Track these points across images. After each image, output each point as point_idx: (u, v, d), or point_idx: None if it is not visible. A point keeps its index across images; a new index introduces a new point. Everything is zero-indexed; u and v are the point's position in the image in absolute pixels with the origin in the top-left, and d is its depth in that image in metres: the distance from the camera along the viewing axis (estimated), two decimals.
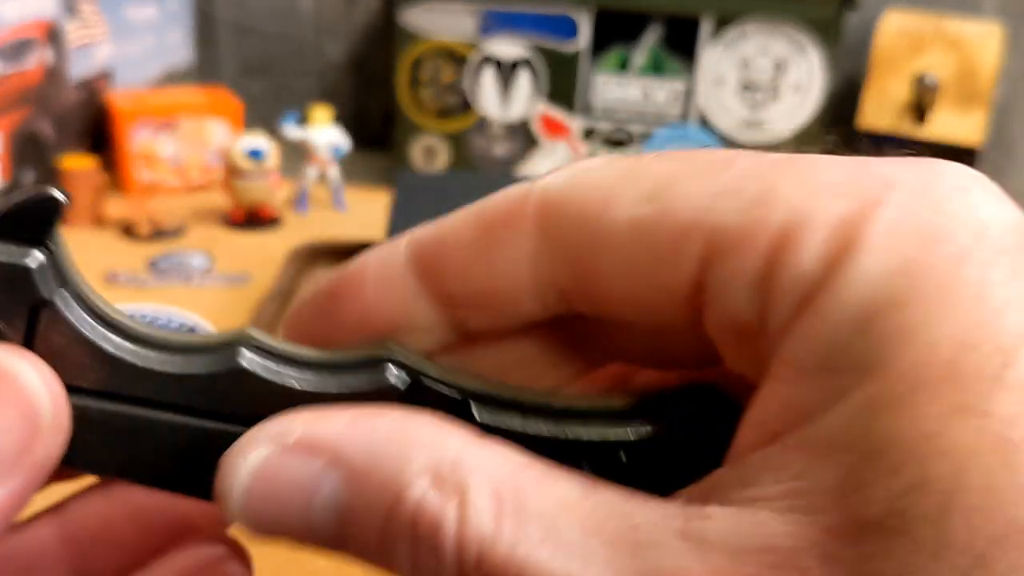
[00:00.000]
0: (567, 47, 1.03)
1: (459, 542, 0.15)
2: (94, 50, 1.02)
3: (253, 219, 0.93)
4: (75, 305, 0.19)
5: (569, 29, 1.02)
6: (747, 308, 0.16)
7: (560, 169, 0.19)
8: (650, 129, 1.05)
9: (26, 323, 0.19)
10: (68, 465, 0.19)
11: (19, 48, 0.89)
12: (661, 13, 1.01)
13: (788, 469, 0.15)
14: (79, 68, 0.99)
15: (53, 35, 0.93)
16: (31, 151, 0.92)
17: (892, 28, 1.05)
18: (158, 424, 0.19)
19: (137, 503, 0.20)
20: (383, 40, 1.20)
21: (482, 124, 1.06)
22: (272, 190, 0.93)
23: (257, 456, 0.17)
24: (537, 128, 1.06)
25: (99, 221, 0.90)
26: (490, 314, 0.20)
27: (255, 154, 0.90)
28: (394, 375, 0.19)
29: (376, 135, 1.22)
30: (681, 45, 1.02)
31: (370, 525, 0.16)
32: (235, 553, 0.21)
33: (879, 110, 1.06)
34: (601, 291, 0.18)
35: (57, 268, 0.19)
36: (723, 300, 0.17)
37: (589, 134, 1.06)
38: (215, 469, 0.18)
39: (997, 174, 0.17)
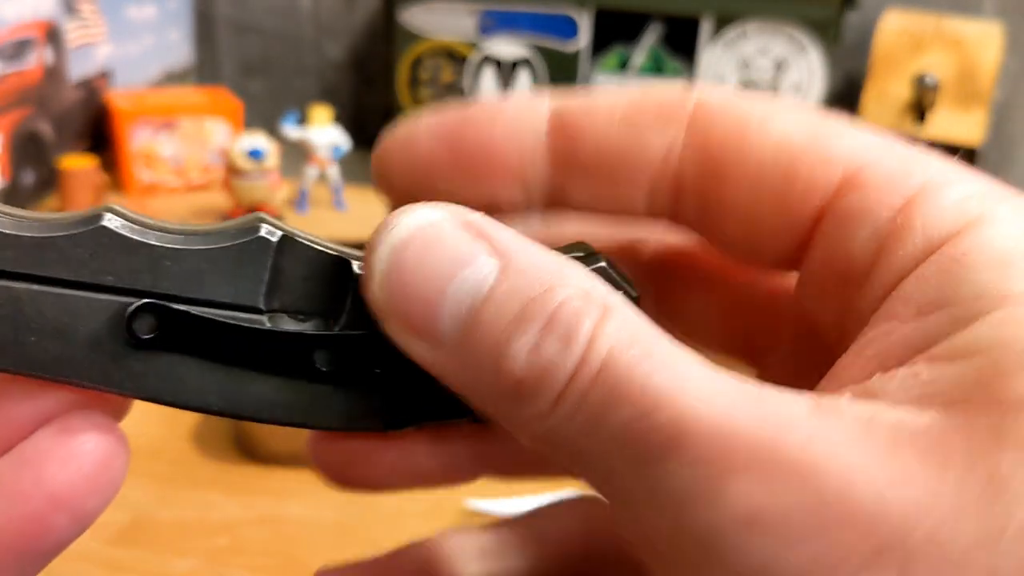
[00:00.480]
0: (567, 47, 1.02)
1: (593, 337, 0.15)
2: (94, 50, 1.01)
3: None
4: None
5: (569, 29, 1.02)
6: (864, 246, 0.17)
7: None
8: None
9: None
10: None
11: (19, 48, 0.89)
12: (661, 13, 1.01)
13: (918, 378, 0.15)
14: (79, 68, 0.99)
15: (53, 35, 0.93)
16: (31, 151, 0.92)
17: (892, 28, 1.05)
18: (22, 296, 0.18)
19: None
20: (383, 40, 1.20)
21: None
22: (272, 190, 0.93)
23: (436, 214, 0.17)
24: None
25: None
26: (604, 193, 0.20)
27: (255, 154, 0.90)
28: (267, 230, 0.19)
29: (376, 135, 1.22)
30: (681, 45, 1.02)
31: (503, 311, 0.16)
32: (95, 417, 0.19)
33: (879, 110, 1.06)
34: (724, 204, 0.19)
35: None
36: (840, 235, 0.17)
37: None
38: (79, 344, 0.18)
39: (997, 174, 0.17)
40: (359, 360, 0.19)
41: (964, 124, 1.03)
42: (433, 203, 0.17)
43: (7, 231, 0.18)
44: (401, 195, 0.21)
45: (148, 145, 1.00)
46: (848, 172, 0.18)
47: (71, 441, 0.18)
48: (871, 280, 0.17)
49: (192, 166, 1.03)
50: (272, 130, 0.99)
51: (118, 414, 0.20)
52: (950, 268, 0.16)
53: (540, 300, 0.16)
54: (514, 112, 0.20)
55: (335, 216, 0.98)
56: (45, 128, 0.94)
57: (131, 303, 0.18)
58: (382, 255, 0.17)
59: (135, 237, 0.18)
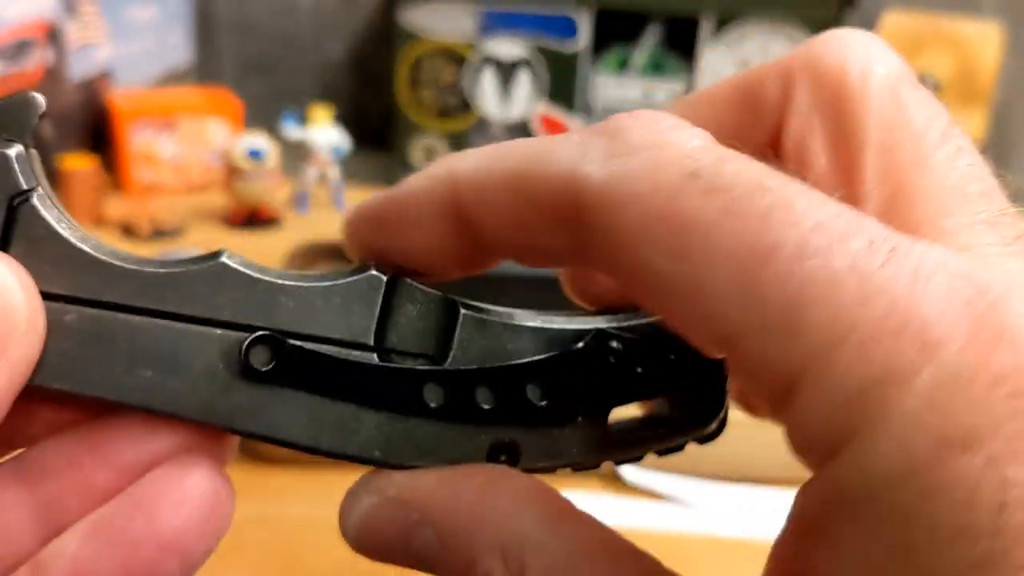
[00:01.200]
0: (567, 47, 1.03)
1: None
2: (94, 50, 1.01)
3: (253, 219, 0.93)
4: (52, 206, 0.18)
5: (569, 29, 1.02)
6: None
7: (606, 152, 0.17)
8: None
9: (3, 217, 0.18)
10: (45, 382, 0.18)
11: (19, 48, 0.89)
12: (661, 13, 1.01)
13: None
14: (79, 68, 0.99)
15: (53, 35, 0.93)
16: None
17: (892, 28, 1.05)
18: (138, 330, 0.18)
19: (104, 439, 0.19)
20: (383, 40, 1.20)
21: (482, 124, 1.06)
22: (272, 190, 0.93)
23: (366, 503, 0.19)
24: (537, 128, 1.06)
25: (99, 221, 0.90)
26: (529, 263, 0.20)
27: (255, 154, 0.90)
28: (378, 268, 0.20)
29: (376, 135, 1.22)
30: (681, 45, 1.02)
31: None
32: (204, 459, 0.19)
33: None
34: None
35: (34, 167, 0.18)
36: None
37: None
38: (193, 377, 0.18)
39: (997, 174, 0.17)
40: (468, 394, 0.20)
41: (964, 124, 1.03)
42: (365, 484, 0.20)
43: (127, 266, 0.18)
44: (366, 256, 0.21)
45: (148, 145, 1.00)
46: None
47: (183, 484, 0.18)
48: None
49: (192, 166, 1.03)
50: (272, 130, 0.99)
51: (223, 459, 0.20)
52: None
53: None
54: (419, 207, 0.19)
55: (335, 216, 0.98)
56: (45, 128, 0.94)
57: (247, 336, 0.18)
58: (355, 550, 0.20)
59: (253, 273, 0.19)
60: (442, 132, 1.07)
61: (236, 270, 0.19)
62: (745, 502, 0.56)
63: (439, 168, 0.19)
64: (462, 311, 0.20)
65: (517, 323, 0.20)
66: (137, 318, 0.18)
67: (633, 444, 0.20)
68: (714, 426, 0.20)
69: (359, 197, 0.83)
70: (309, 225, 0.94)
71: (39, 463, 0.19)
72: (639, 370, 0.20)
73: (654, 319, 0.20)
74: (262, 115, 1.15)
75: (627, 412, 0.21)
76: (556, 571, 0.17)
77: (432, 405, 0.19)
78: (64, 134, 0.98)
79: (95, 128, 1.03)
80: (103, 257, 0.18)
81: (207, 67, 1.25)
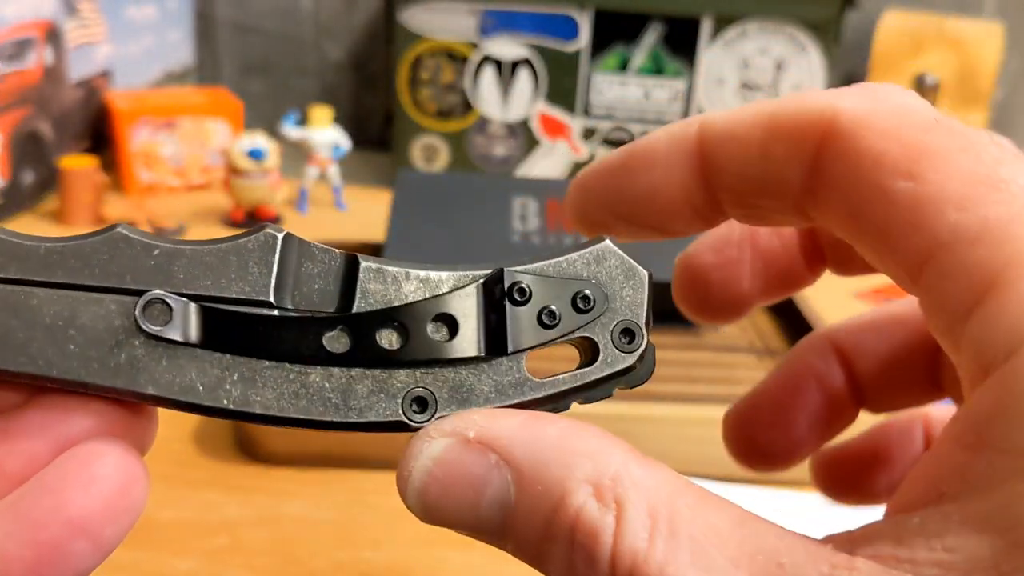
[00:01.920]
0: (567, 47, 1.02)
1: (614, 554, 0.16)
2: (94, 50, 1.01)
3: (253, 219, 0.93)
4: None
5: (569, 29, 1.02)
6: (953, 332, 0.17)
7: (865, 91, 0.19)
8: (650, 129, 1.05)
9: None
10: None
11: (19, 48, 0.88)
12: (661, 13, 1.01)
13: (942, 539, 0.15)
14: (79, 68, 0.99)
15: (53, 35, 0.93)
16: (31, 151, 0.92)
17: (892, 28, 1.05)
18: (38, 301, 0.18)
19: (14, 427, 0.19)
20: (383, 40, 1.20)
21: (482, 124, 1.06)
22: (272, 190, 0.93)
23: (439, 445, 0.18)
24: (537, 128, 1.06)
25: (99, 221, 0.90)
26: (757, 213, 0.21)
27: (255, 154, 0.90)
28: (272, 228, 0.20)
29: (376, 135, 1.22)
30: (681, 45, 1.02)
31: (532, 525, 0.17)
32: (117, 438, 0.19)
33: None
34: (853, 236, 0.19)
35: None
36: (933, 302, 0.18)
37: (589, 134, 1.06)
38: (93, 344, 0.18)
39: None
40: (371, 337, 0.19)
41: (964, 124, 1.03)
42: (436, 428, 0.19)
43: (26, 243, 0.19)
44: (592, 228, 0.23)
45: (148, 145, 1.00)
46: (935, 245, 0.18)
47: (91, 466, 0.18)
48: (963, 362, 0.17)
49: (192, 166, 1.03)
50: (272, 130, 0.99)
51: (141, 442, 0.20)
52: (1001, 400, 0.16)
53: (558, 516, 0.17)
54: (665, 154, 0.21)
55: (335, 216, 0.98)
56: (45, 128, 0.94)
57: (142, 298, 0.19)
58: (412, 503, 0.19)
59: (149, 240, 0.19)
60: (442, 132, 1.07)
61: (131, 238, 0.19)
62: (745, 502, 0.55)
63: (685, 121, 0.21)
64: (363, 263, 0.20)
65: (421, 272, 0.20)
66: (37, 290, 0.19)
67: (551, 389, 0.20)
68: (633, 361, 0.20)
69: (359, 197, 0.83)
70: (309, 225, 0.94)
71: None
72: (548, 308, 0.20)
73: (562, 258, 0.20)
74: (262, 115, 1.15)
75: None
76: (657, 505, 0.17)
77: (336, 351, 0.19)
78: (64, 134, 0.98)
79: (95, 128, 1.03)
80: (4, 237, 0.19)
81: (207, 67, 1.25)
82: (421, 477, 0.18)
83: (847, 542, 0.16)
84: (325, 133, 0.97)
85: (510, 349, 0.20)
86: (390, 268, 0.20)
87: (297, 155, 0.99)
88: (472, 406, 0.20)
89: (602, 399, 0.20)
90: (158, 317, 0.19)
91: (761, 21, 1.00)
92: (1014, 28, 1.11)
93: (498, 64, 1.04)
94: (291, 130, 0.97)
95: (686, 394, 0.59)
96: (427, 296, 0.20)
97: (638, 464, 0.17)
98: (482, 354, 0.20)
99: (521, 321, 0.20)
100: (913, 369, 0.26)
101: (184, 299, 0.19)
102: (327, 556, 0.48)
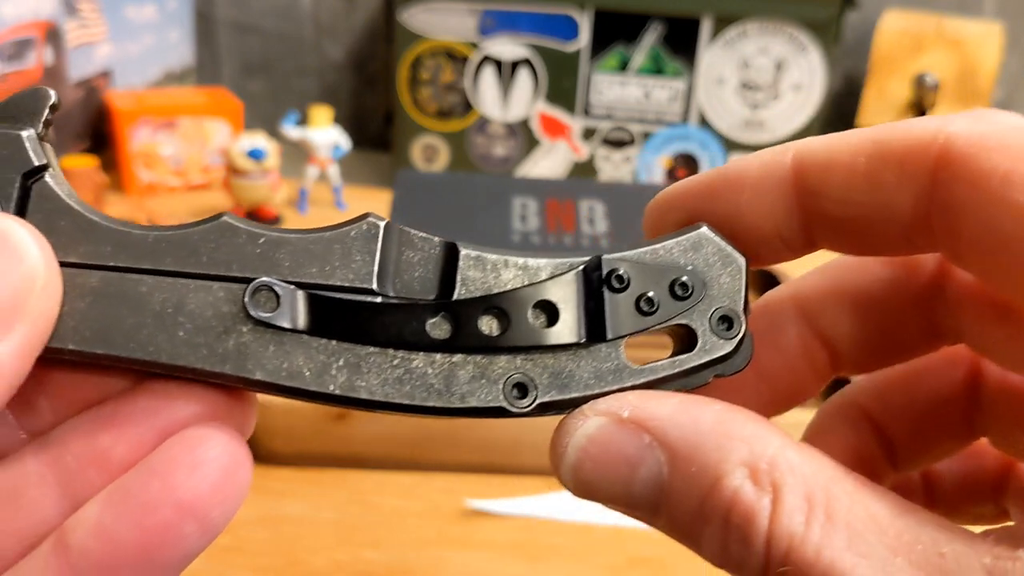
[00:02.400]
0: (567, 47, 1.02)
1: (769, 536, 0.16)
2: (94, 50, 1.01)
3: (253, 219, 0.93)
4: (63, 182, 0.20)
5: (569, 29, 1.02)
6: None
7: (975, 115, 0.18)
8: (650, 129, 1.05)
9: (18, 193, 0.19)
10: (62, 344, 0.19)
11: (19, 48, 0.88)
12: (661, 13, 1.01)
13: None
14: (79, 68, 0.99)
15: (53, 35, 0.93)
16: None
17: (892, 28, 1.05)
18: (147, 289, 0.19)
19: (121, 413, 0.20)
20: (383, 40, 1.20)
21: (482, 124, 1.06)
22: (272, 190, 0.93)
23: (593, 424, 0.19)
24: (537, 128, 1.06)
25: None
26: (857, 243, 0.20)
27: (255, 154, 0.90)
28: (374, 217, 0.20)
29: (376, 135, 1.22)
30: (681, 45, 1.02)
31: (686, 504, 0.17)
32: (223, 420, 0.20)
33: (879, 110, 1.06)
34: (971, 262, 0.18)
35: (47, 150, 0.19)
36: None
37: (589, 134, 1.06)
38: (200, 329, 0.19)
39: None
40: (473, 322, 0.20)
41: None
42: (591, 407, 0.19)
43: (135, 231, 0.19)
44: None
45: (148, 145, 1.00)
46: None
47: (197, 450, 0.18)
48: None
49: (192, 166, 1.03)
50: (272, 130, 0.99)
51: (243, 428, 0.20)
52: None
53: (713, 498, 0.17)
54: (757, 178, 0.20)
55: (335, 216, 0.98)
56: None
57: (249, 285, 0.19)
58: (565, 479, 0.19)
59: (254, 229, 0.19)
60: (442, 132, 1.07)
61: (237, 227, 0.19)
62: None
63: (779, 147, 0.20)
64: (462, 251, 0.20)
65: (519, 259, 0.20)
66: (146, 277, 0.19)
67: (650, 375, 0.20)
68: (731, 348, 0.20)
69: (359, 197, 0.83)
70: (309, 225, 0.94)
71: (60, 440, 0.19)
72: (647, 295, 0.20)
73: (659, 244, 0.20)
74: (262, 115, 1.15)
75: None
76: (815, 490, 0.16)
77: (438, 338, 0.20)
78: (64, 134, 0.98)
79: (95, 128, 1.03)
80: (113, 226, 0.19)
81: (207, 67, 1.25)
82: (575, 454, 0.19)
83: (1008, 536, 0.16)
84: (325, 133, 0.97)
85: (609, 336, 0.20)
86: (489, 256, 0.20)
87: (297, 155, 0.99)
88: (572, 392, 0.20)
89: (699, 386, 0.21)
90: (265, 304, 0.19)
91: (761, 21, 1.00)
92: (1014, 28, 1.11)
93: (498, 64, 1.04)
94: (291, 130, 0.97)
95: None
96: (526, 283, 0.20)
97: (795, 450, 0.17)
98: (582, 340, 0.20)
99: (619, 308, 0.20)
100: (947, 422, 0.25)
101: (291, 286, 0.19)
102: (327, 556, 0.48)
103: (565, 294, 0.20)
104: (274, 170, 0.92)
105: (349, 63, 1.25)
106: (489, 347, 0.20)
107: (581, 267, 0.20)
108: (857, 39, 1.13)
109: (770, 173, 0.20)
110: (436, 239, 0.20)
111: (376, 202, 0.97)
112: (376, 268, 0.20)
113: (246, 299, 0.19)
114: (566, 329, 0.20)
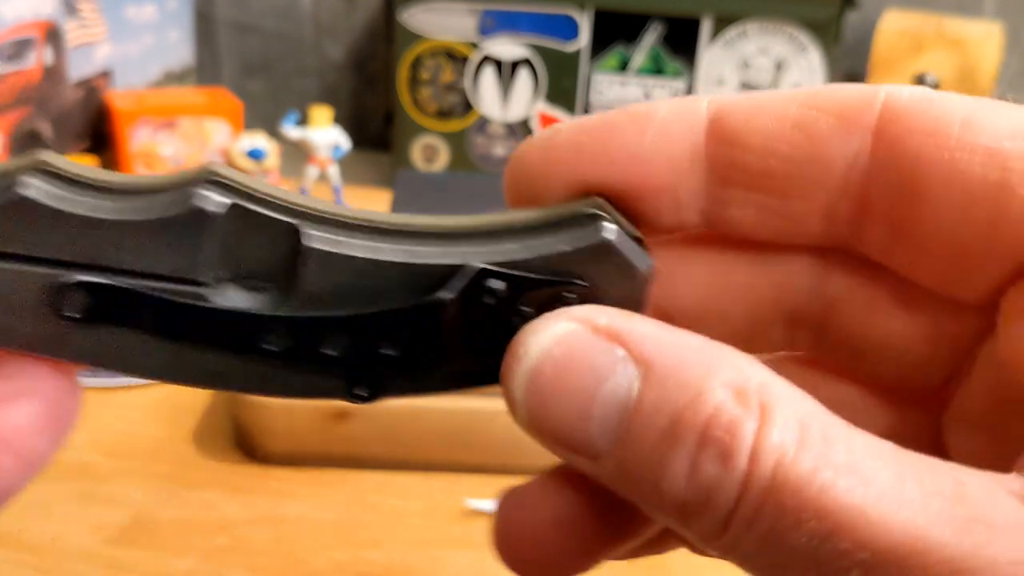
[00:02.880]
0: (567, 47, 1.02)
1: (754, 451, 0.14)
2: (94, 50, 1.01)
3: None
4: None
5: (569, 29, 1.02)
6: None
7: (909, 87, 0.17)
8: None
9: None
10: None
11: (19, 48, 0.88)
12: (661, 13, 1.01)
13: None
14: (79, 68, 0.99)
15: (53, 35, 0.93)
16: (30, 151, 0.92)
17: (892, 28, 1.05)
18: None
19: None
20: (383, 40, 1.20)
21: (482, 124, 1.06)
22: None
23: (564, 327, 0.16)
24: (537, 128, 1.06)
25: None
26: (771, 212, 0.18)
27: (255, 154, 0.90)
28: (206, 197, 0.17)
29: (376, 135, 1.22)
30: (681, 45, 1.02)
31: (653, 424, 0.15)
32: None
33: None
34: (921, 230, 0.16)
35: None
36: None
37: None
38: (22, 315, 0.17)
39: None
40: (314, 342, 0.17)
41: None
42: (563, 311, 0.16)
43: None
44: (538, 199, 0.19)
45: (148, 145, 1.00)
46: None
47: (17, 382, 0.17)
48: None
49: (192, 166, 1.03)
50: (272, 130, 0.99)
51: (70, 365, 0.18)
52: None
53: (690, 411, 0.14)
54: (666, 117, 0.18)
55: None
56: (45, 128, 0.94)
57: (60, 277, 0.17)
58: (519, 386, 0.16)
59: (60, 207, 0.17)
60: (442, 132, 1.07)
61: (39, 204, 0.17)
62: None
63: (695, 95, 0.18)
64: (306, 244, 0.17)
65: (376, 257, 0.17)
66: None
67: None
68: None
69: (359, 197, 0.83)
70: None
71: None
72: (521, 310, 0.17)
73: (550, 252, 0.17)
74: (262, 115, 1.15)
75: None
76: (810, 417, 0.14)
77: (273, 349, 0.17)
78: (64, 134, 0.98)
79: (95, 128, 1.03)
80: None
81: (207, 67, 1.25)
82: (537, 355, 0.16)
83: None
84: (325, 133, 0.97)
85: (482, 354, 0.18)
86: (341, 251, 0.17)
87: (297, 155, 0.99)
88: (427, 393, 0.18)
89: None
90: (77, 301, 0.17)
91: (761, 21, 1.00)
92: (1014, 28, 1.11)
93: (498, 64, 1.04)
94: (291, 130, 0.97)
95: None
96: (386, 293, 0.17)
97: (784, 382, 0.15)
98: (444, 365, 0.18)
99: (488, 324, 0.17)
100: None
101: (105, 280, 0.17)
102: (327, 556, 0.48)
103: (421, 319, 0.17)
104: (274, 170, 0.92)
105: (349, 63, 1.25)
106: (329, 366, 0.18)
107: (449, 273, 0.17)
108: (857, 39, 1.13)
109: (683, 115, 0.17)
110: (282, 220, 0.17)
111: (376, 202, 0.97)
112: (207, 256, 0.17)
113: (56, 297, 0.17)
114: (420, 353, 0.18)
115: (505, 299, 0.17)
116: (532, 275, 0.17)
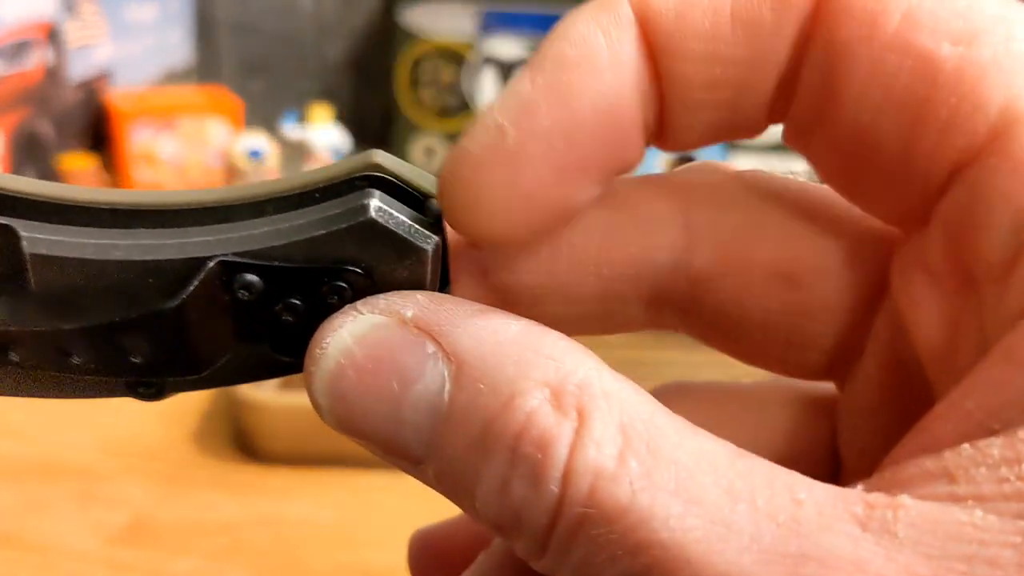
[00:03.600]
0: None
1: (569, 469, 0.12)
2: (94, 50, 1.01)
3: None
4: None
5: None
6: (1004, 239, 0.13)
7: None
8: None
9: None
10: None
11: (19, 48, 0.89)
12: None
13: (1019, 465, 0.12)
14: (79, 68, 0.99)
15: (53, 35, 0.93)
16: (31, 151, 0.92)
17: None
18: None
19: None
20: (383, 40, 1.20)
21: None
22: None
23: (365, 322, 0.14)
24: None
25: None
26: (718, 119, 0.15)
27: (255, 154, 0.90)
28: None
29: (376, 135, 1.22)
30: None
31: (464, 430, 0.13)
32: None
33: None
34: (839, 130, 0.14)
35: None
36: (975, 212, 0.13)
37: None
38: None
39: None
40: (60, 353, 0.15)
41: None
42: (365, 303, 0.15)
43: None
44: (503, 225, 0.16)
45: (148, 145, 1.00)
46: (1001, 125, 0.13)
47: None
48: (1007, 293, 0.13)
49: (192, 166, 1.03)
50: (272, 130, 0.99)
51: None
52: None
53: (500, 421, 0.13)
54: (609, 49, 0.14)
55: None
56: (45, 128, 0.94)
57: None
58: (319, 390, 0.14)
59: None
60: (442, 132, 1.07)
61: None
62: None
63: (602, 2, 0.15)
64: (26, 249, 0.14)
65: (106, 258, 0.15)
66: None
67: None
68: None
69: None
70: None
71: None
72: (290, 302, 0.15)
73: (309, 234, 0.15)
74: (262, 115, 1.15)
75: None
76: (633, 421, 0.13)
77: (13, 359, 0.15)
78: (64, 134, 0.98)
79: (95, 128, 1.03)
80: None
81: (207, 67, 1.25)
82: (336, 358, 0.14)
83: (880, 484, 0.13)
84: (325, 133, 0.97)
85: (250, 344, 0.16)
86: (64, 256, 0.15)
87: (297, 155, 0.99)
88: (212, 387, 0.16)
89: None
90: None
91: None
92: None
93: (498, 64, 1.04)
94: (291, 130, 0.97)
95: None
96: (119, 294, 0.15)
97: (611, 376, 0.13)
98: (201, 375, 0.16)
99: (255, 318, 0.15)
100: None
101: None
102: (327, 556, 0.48)
103: (161, 325, 0.15)
104: (274, 170, 0.92)
105: (349, 63, 1.25)
106: (80, 372, 0.16)
107: (183, 269, 0.15)
108: None
109: (620, 38, 0.14)
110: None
111: None
112: None
113: None
114: (176, 357, 0.16)
115: (264, 292, 0.15)
116: (287, 265, 0.15)
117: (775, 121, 0.16)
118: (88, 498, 0.51)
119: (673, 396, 0.19)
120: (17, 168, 0.89)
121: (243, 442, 0.55)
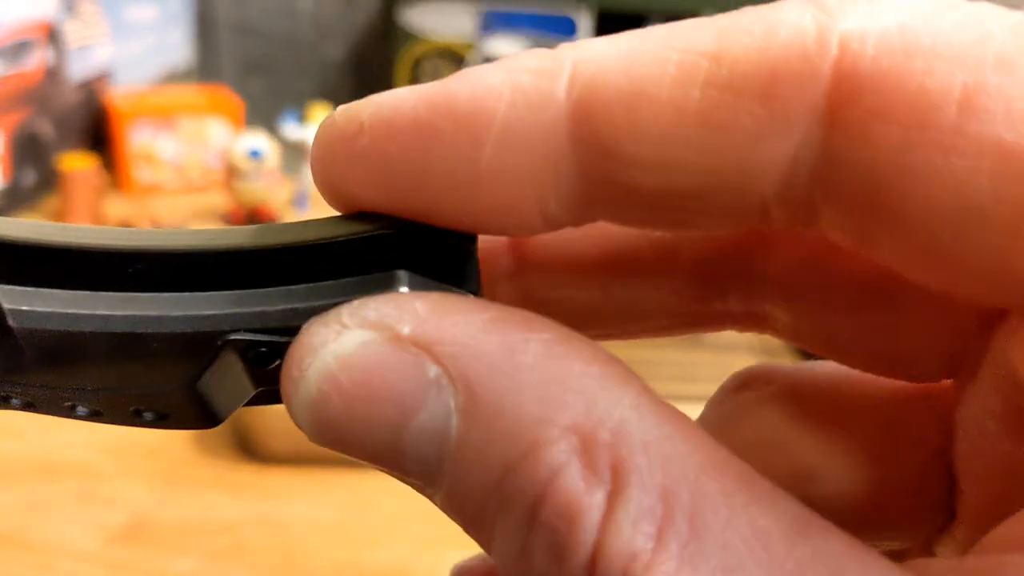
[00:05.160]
0: None
1: (599, 551, 0.10)
2: (94, 50, 1.02)
3: (253, 219, 0.93)
4: None
5: (569, 29, 1.02)
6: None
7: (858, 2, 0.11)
8: None
9: None
10: None
11: (19, 48, 0.89)
12: (661, 13, 1.01)
13: None
14: (79, 68, 0.99)
15: (53, 35, 0.93)
16: (31, 151, 0.92)
17: None
18: None
19: None
20: (383, 40, 1.20)
21: None
22: (272, 190, 0.93)
23: (352, 340, 0.12)
24: None
25: (99, 221, 0.90)
26: (678, 217, 0.13)
27: (255, 154, 0.90)
28: None
29: None
30: None
31: (477, 477, 0.11)
32: None
33: None
34: (900, 233, 0.12)
35: None
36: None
37: None
38: None
39: None
40: (61, 404, 0.15)
41: None
42: (352, 312, 0.12)
43: None
44: (352, 203, 0.14)
45: (148, 145, 1.00)
46: None
47: None
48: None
49: (192, 166, 1.03)
50: (272, 130, 0.99)
51: None
52: None
53: (520, 474, 0.11)
54: (509, 116, 0.12)
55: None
56: (45, 128, 0.94)
57: None
58: (301, 416, 0.12)
59: None
60: None
61: None
62: None
63: (545, 62, 0.12)
64: (13, 324, 0.13)
65: (105, 330, 0.13)
66: None
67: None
68: None
69: None
70: None
71: None
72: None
73: (309, 303, 0.13)
74: (262, 115, 1.15)
75: None
76: (678, 484, 0.10)
77: (16, 404, 0.14)
78: (64, 134, 0.98)
79: (95, 128, 1.03)
80: None
81: (207, 67, 1.25)
82: (318, 384, 0.12)
83: (947, 571, 0.11)
84: None
85: (222, 418, 0.15)
86: (61, 329, 0.13)
87: (297, 155, 0.99)
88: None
89: None
90: None
91: None
92: None
93: None
94: (291, 130, 0.97)
95: (686, 394, 0.59)
96: (118, 370, 0.14)
97: (654, 415, 0.11)
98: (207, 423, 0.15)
99: (266, 376, 0.14)
100: None
101: None
102: (327, 556, 0.48)
103: (165, 393, 0.14)
104: (274, 170, 0.92)
105: (349, 63, 1.25)
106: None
107: (192, 342, 0.13)
108: None
109: (534, 109, 0.12)
110: None
111: None
112: None
113: None
114: (187, 413, 0.15)
115: (271, 354, 0.14)
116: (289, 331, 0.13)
117: (773, 221, 0.13)
118: (88, 498, 0.51)
119: (761, 386, 0.17)
120: (17, 168, 0.89)
121: (243, 442, 0.55)
